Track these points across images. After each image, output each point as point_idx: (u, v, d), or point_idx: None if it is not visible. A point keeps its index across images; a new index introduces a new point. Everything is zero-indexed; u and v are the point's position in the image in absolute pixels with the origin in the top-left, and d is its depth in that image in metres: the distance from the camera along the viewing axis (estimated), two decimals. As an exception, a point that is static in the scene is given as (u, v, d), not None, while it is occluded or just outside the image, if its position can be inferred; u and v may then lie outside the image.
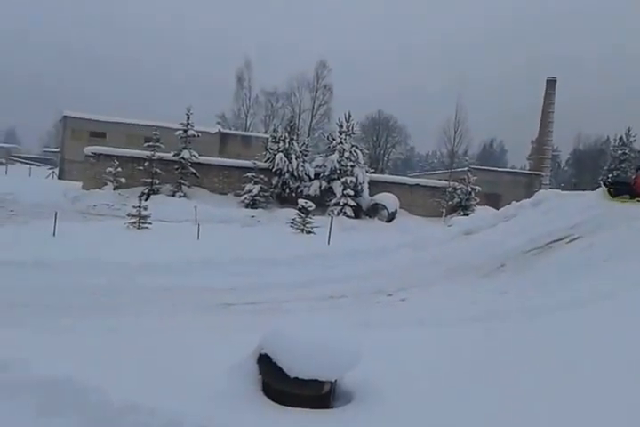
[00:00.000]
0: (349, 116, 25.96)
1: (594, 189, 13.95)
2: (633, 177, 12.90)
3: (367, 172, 26.80)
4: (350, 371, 3.64)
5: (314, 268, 10.13)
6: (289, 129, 26.44)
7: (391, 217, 25.03)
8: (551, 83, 56.60)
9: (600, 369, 4.02)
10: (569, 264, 8.42)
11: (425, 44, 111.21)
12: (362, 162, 26.06)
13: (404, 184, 28.86)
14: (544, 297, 6.85)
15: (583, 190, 15.59)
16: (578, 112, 76.39)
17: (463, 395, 3.47)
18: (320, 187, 25.09)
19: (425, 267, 10.11)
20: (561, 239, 10.13)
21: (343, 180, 24.67)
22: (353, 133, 26.38)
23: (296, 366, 3.39)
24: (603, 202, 11.57)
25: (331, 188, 24.92)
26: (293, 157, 25.32)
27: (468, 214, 22.96)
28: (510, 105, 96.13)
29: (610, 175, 45.15)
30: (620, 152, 50.90)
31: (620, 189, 11.93)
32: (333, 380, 3.62)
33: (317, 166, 25.91)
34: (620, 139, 52.89)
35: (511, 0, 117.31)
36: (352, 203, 24.38)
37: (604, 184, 12.46)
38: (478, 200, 28.16)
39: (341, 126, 25.88)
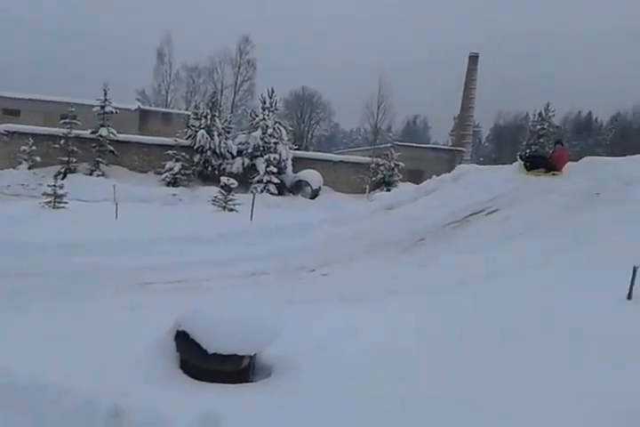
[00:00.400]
0: (272, 92, 25.78)
1: (512, 163, 14.51)
2: (550, 151, 13.46)
3: (291, 149, 26.79)
4: (270, 346, 3.68)
5: (236, 245, 10.09)
6: (211, 105, 26.02)
7: (315, 194, 25.20)
8: (473, 59, 57.82)
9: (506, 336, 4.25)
10: (486, 237, 8.77)
11: (351, 19, 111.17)
12: (285, 139, 26.01)
13: (328, 161, 29.05)
14: (461, 270, 7.11)
15: (503, 165, 16.16)
16: (499, 89, 78.71)
17: (375, 366, 3.59)
18: (243, 164, 24.90)
19: (346, 242, 10.28)
20: (479, 212, 10.53)
21: (266, 157, 24.57)
22: (276, 110, 26.26)
23: (214, 342, 3.41)
24: (519, 176, 12.08)
25: (254, 165, 24.78)
26: (215, 134, 24.96)
27: (390, 190, 23.43)
28: (434, 81, 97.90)
29: (528, 150, 47.00)
30: (539, 127, 52.93)
31: (535, 163, 12.46)
32: (252, 354, 3.66)
33: (240, 143, 25.67)
34: (540, 114, 55.02)
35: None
36: (275, 180, 24.36)
37: (521, 158, 12.98)
38: (401, 176, 28.74)
39: (264, 103, 25.66)
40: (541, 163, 12.35)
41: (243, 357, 3.58)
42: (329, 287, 7.25)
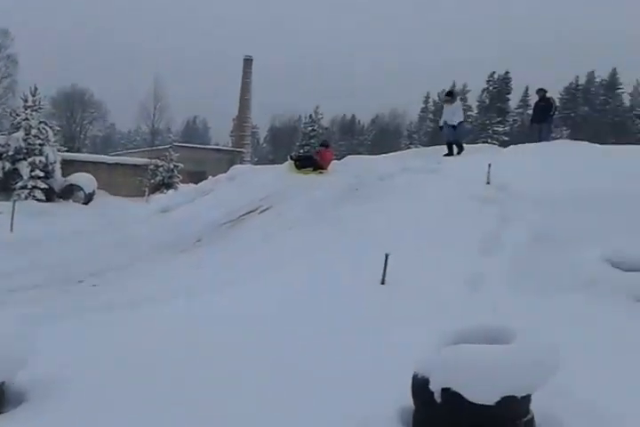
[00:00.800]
0: (36, 89, 23.56)
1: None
2: (316, 151, 14.26)
3: (60, 151, 24.76)
4: (21, 370, 3.34)
5: (-7, 259, 9.05)
6: (-38, 103, 23.06)
7: (88, 198, 23.65)
8: (248, 62, 59.04)
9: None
10: (259, 233, 8.95)
11: (125, 15, 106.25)
12: (52, 140, 23.96)
13: (103, 163, 27.51)
14: (236, 267, 7.17)
15: (279, 165, 16.75)
16: (274, 91, 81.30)
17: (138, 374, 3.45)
18: (3, 168, 22.41)
19: (121, 248, 9.79)
20: (254, 211, 10.74)
21: (31, 160, 22.37)
22: (41, 108, 24.06)
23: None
24: (289, 174, 12.61)
25: (16, 169, 22.39)
26: (-32, 135, 22.18)
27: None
28: (213, 82, 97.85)
29: (302, 150, 49.36)
30: (309, 129, 55.87)
31: (304, 163, 13.12)
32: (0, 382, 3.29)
33: (0, 146, 23.11)
34: (310, 116, 58.12)
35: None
36: (42, 185, 22.29)
37: (291, 158, 13.58)
38: (181, 178, 28.25)
39: (26, 101, 23.38)
40: (309, 162, 13.06)
41: (-14, 386, 3.20)
42: (101, 297, 6.81)
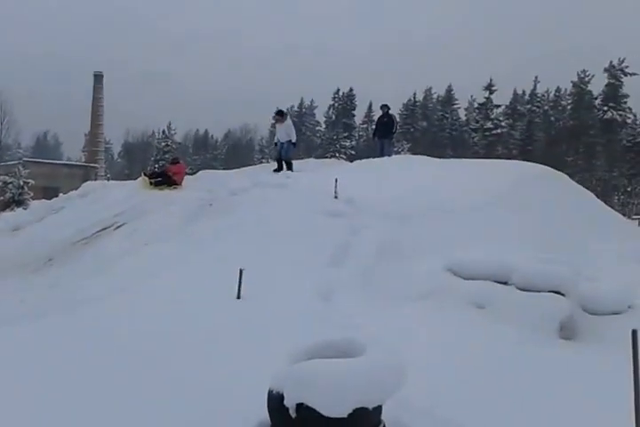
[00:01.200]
0: None
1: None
2: (167, 167, 13.83)
3: None
4: None
5: None
6: None
7: None
8: (98, 77, 56.30)
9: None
10: (114, 251, 8.42)
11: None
12: None
13: (-57, 180, 24.61)
14: (90, 286, 6.65)
15: (134, 180, 15.96)
16: (126, 106, 77.85)
17: None
18: None
19: (-36, 271, 8.74)
20: (108, 227, 10.15)
21: None
22: None
23: None
24: (143, 190, 12.04)
25: None
26: None
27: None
28: (64, 97, 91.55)
29: (156, 165, 47.76)
30: (163, 144, 54.30)
31: (158, 179, 12.60)
32: None
33: None
34: (163, 132, 56.53)
35: None
36: None
37: (144, 174, 13.02)
38: (33, 194, 26.04)
39: None
40: (163, 178, 12.59)
41: None
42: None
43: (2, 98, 29.00)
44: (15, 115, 30.27)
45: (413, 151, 41.99)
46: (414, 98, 67.19)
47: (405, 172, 10.72)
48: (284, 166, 13.65)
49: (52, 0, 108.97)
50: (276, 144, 14.39)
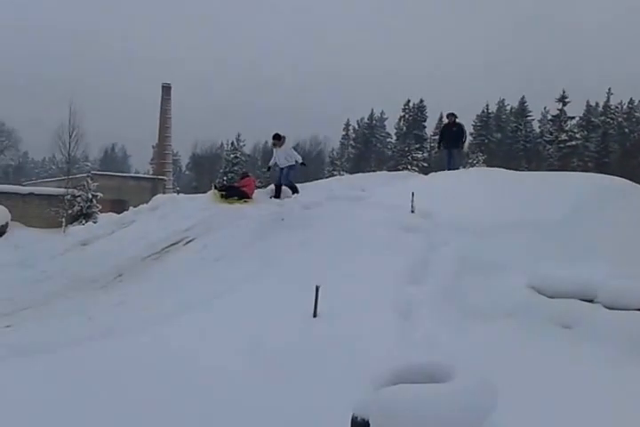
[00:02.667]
0: (-61, 117, 22.37)
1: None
2: (239, 180, 14.11)
3: (-33, 181, 23.50)
4: None
5: None
6: None
7: (1, 231, 22.42)
8: (166, 89, 58.27)
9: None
10: (184, 267, 8.66)
11: (31, 36, 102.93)
12: (-41, 170, 22.73)
13: (16, 193, 26.12)
14: (159, 305, 6.87)
15: (203, 193, 16.43)
16: (195, 118, 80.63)
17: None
18: None
19: (37, 285, 9.25)
20: (178, 242, 10.40)
21: (-64, 191, 21.10)
22: (-55, 138, 22.80)
23: None
24: (214, 204, 12.36)
25: None
26: None
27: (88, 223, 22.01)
28: (130, 109, 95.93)
29: (225, 178, 49.00)
30: (232, 156, 55.61)
31: (229, 192, 12.92)
32: None
33: None
34: (232, 144, 57.98)
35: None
36: (-51, 218, 21.02)
37: (215, 188, 13.36)
38: (101, 207, 27.26)
39: None
40: (235, 192, 12.88)
41: None
42: (12, 340, 6.34)
43: (71, 111, 30.43)
44: (84, 127, 31.59)
45: (489, 163, 41.38)
46: (487, 109, 66.98)
47: (482, 184, 10.56)
48: (290, 191, 13.40)
49: (120, 20, 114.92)
50: (269, 168, 14.66)
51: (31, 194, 26.85)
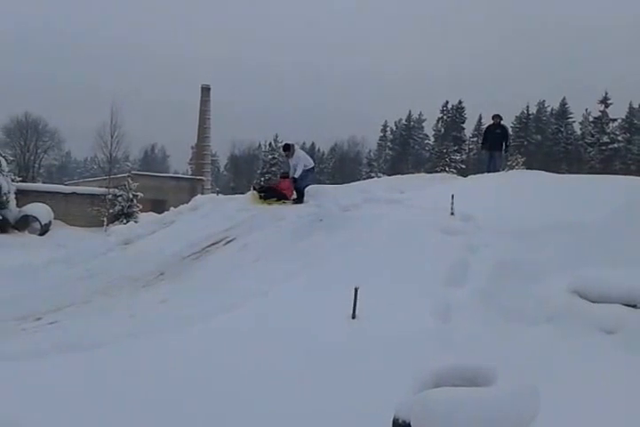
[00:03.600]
0: (-13, 118, 23.16)
1: (247, 192, 15.03)
2: (279, 181, 14.19)
3: (14, 180, 24.23)
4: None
5: (-60, 296, 8.64)
6: None
7: (45, 229, 23.08)
8: (206, 90, 59.08)
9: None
10: (224, 266, 8.79)
11: (77, 40, 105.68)
12: (6, 170, 23.46)
13: (59, 193, 26.96)
14: (200, 303, 6.99)
15: (241, 193, 16.63)
16: (232, 119, 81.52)
17: None
18: (-46, 199, 21.81)
19: (80, 283, 9.49)
20: (218, 242, 10.55)
21: (-17, 190, 21.85)
22: (-8, 138, 23.59)
23: None
24: (253, 205, 12.51)
25: (-32, 200, 21.86)
26: None
27: (129, 222, 22.51)
28: (169, 109, 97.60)
29: (262, 179, 49.40)
30: (270, 157, 56.00)
31: (268, 193, 13.01)
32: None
33: (-51, 175, 22.47)
34: (270, 144, 58.42)
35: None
36: (-4, 216, 21.75)
37: (254, 189, 13.49)
38: (141, 207, 27.82)
39: (-23, 129, 22.92)
40: (274, 193, 12.97)
41: None
42: (56, 337, 6.53)
43: (113, 111, 31.11)
44: (124, 128, 32.25)
45: (528, 166, 40.83)
46: (527, 111, 66.00)
47: (523, 187, 10.48)
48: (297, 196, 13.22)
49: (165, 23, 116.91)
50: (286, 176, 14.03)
51: (74, 193, 27.63)
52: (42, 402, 3.82)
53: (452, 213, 9.27)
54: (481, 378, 2.99)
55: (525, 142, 63.11)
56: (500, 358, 4.07)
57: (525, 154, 57.14)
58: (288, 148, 13.71)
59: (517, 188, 10.47)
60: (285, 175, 14.09)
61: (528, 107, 66.38)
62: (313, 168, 13.69)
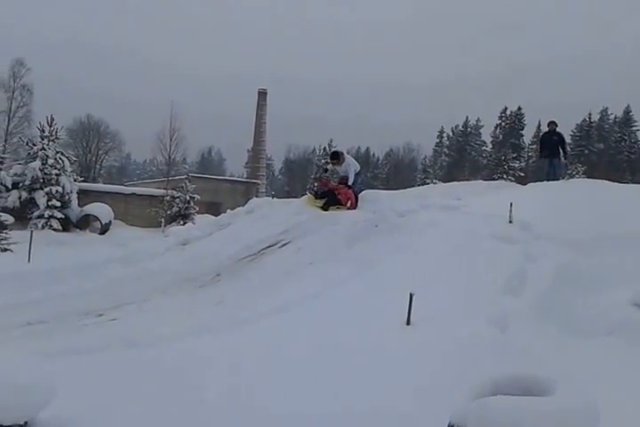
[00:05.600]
0: (52, 119, 24.07)
1: (302, 196, 15.19)
2: (337, 186, 14.11)
3: (76, 180, 25.14)
4: (44, 409, 3.31)
5: (8, 291, 9.03)
6: (-21, 133, 23.57)
7: (105, 229, 23.84)
8: (262, 95, 59.99)
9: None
10: (279, 269, 8.93)
11: (134, 47, 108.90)
12: (69, 170, 24.35)
13: (119, 193, 27.78)
14: (255, 304, 7.12)
15: (295, 197, 16.81)
16: (288, 123, 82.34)
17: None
18: (20, 198, 22.72)
19: (139, 282, 9.77)
20: (273, 245, 10.70)
21: (47, 189, 22.71)
22: (57, 139, 24.50)
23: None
24: (308, 208, 12.59)
25: (33, 198, 22.73)
26: (-15, 164, 22.58)
27: (186, 224, 23.03)
28: (227, 113, 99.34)
29: (315, 183, 49.53)
30: (323, 161, 56.15)
31: (329, 201, 12.83)
32: (22, 422, 3.27)
33: (16, 175, 23.43)
34: (324, 149, 58.62)
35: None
36: (59, 215, 22.55)
37: (316, 195, 13.28)
38: (198, 209, 28.40)
39: (43, 131, 23.85)
40: (334, 200, 12.81)
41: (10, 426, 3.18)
42: (118, 333, 6.78)
43: (172, 115, 31.92)
44: (183, 131, 33.06)
45: (589, 175, 39.52)
46: (589, 118, 64.03)
47: (584, 196, 10.24)
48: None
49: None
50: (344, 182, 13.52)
51: (133, 194, 28.44)
52: (104, 398, 3.93)
53: (511, 222, 9.15)
54: (538, 389, 2.96)
55: (587, 151, 61.36)
56: (557, 370, 4.02)
57: (587, 163, 55.51)
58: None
59: (578, 197, 10.25)
60: (344, 181, 13.99)
61: (590, 114, 64.59)
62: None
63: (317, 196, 13.21)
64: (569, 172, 44.49)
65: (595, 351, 5.26)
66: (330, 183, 13.55)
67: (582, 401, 2.79)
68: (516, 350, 5.07)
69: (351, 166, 13.18)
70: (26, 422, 3.26)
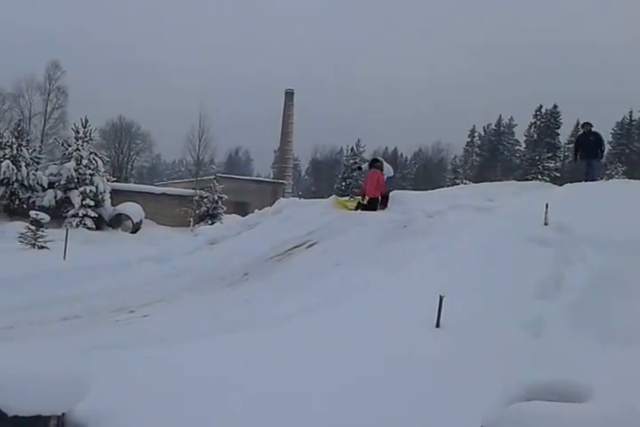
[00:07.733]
0: (86, 121, 24.52)
1: (329, 196, 15.25)
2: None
3: (109, 180, 25.57)
4: (81, 401, 3.37)
5: (45, 287, 9.24)
6: (17, 134, 24.05)
7: (136, 228, 24.18)
8: (289, 95, 60.20)
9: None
10: (306, 269, 8.95)
11: (166, 47, 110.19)
12: (102, 170, 24.79)
13: (150, 193, 28.13)
14: (284, 304, 7.15)
15: (321, 198, 16.83)
16: (314, 123, 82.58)
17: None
18: (55, 197, 23.23)
19: (169, 280, 9.93)
20: (301, 245, 10.75)
21: (82, 189, 23.16)
22: (91, 140, 24.95)
23: (11, 402, 3.04)
24: (335, 209, 12.61)
25: (68, 198, 23.21)
26: (23, 164, 23.07)
27: (215, 223, 23.26)
28: (254, 113, 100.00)
29: (343, 184, 49.60)
30: (351, 162, 56.08)
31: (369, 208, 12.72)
32: (60, 413, 3.33)
33: (52, 175, 23.96)
34: (352, 149, 58.56)
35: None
36: (93, 214, 22.98)
37: (359, 204, 13.04)
38: (225, 209, 28.62)
39: (78, 132, 24.30)
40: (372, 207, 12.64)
41: (49, 417, 3.25)
42: (149, 329, 6.88)
43: (201, 117, 32.23)
44: (211, 131, 33.37)
45: (629, 175, 38.49)
46: (630, 116, 62.25)
47: (622, 197, 9.99)
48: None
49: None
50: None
51: (163, 194, 28.78)
52: (137, 393, 3.96)
53: (546, 224, 8.96)
54: (572, 395, 2.91)
55: (627, 150, 59.60)
56: (594, 376, 3.95)
57: (627, 163, 54.10)
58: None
59: (616, 198, 10.00)
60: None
61: (631, 112, 62.41)
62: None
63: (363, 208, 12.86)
64: (607, 172, 43.58)
65: (634, 359, 5.12)
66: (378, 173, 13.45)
67: (623, 407, 2.72)
68: (551, 354, 4.97)
69: (385, 172, 13.51)
70: (63, 414, 3.33)
